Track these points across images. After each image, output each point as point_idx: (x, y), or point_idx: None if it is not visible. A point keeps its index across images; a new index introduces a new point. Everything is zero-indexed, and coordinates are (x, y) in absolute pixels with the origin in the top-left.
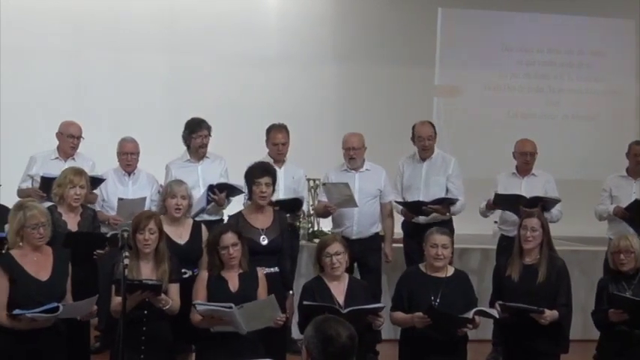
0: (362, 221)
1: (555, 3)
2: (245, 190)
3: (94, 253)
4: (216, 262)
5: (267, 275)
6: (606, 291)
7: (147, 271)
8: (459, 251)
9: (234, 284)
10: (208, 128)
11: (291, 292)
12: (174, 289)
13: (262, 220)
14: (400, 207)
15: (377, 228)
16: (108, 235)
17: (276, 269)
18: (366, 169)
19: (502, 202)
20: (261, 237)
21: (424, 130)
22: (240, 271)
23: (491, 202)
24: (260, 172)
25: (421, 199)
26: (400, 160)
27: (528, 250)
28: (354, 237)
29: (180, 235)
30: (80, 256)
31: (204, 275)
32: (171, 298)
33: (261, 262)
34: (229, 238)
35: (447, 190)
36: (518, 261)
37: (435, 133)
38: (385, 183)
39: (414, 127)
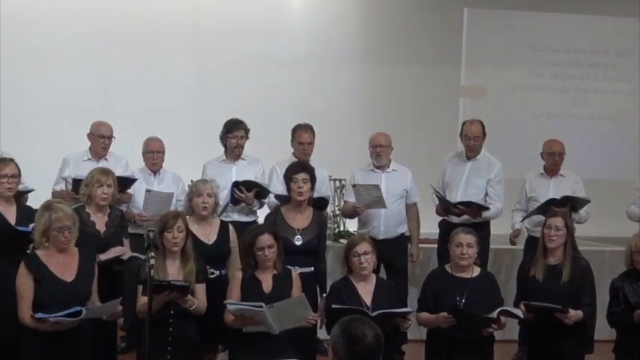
0: (388, 222)
1: (581, 3)
2: (270, 188)
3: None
4: (251, 262)
5: (301, 276)
6: (622, 291)
7: (173, 271)
8: (492, 252)
9: (267, 285)
10: (246, 130)
11: (324, 294)
12: (201, 289)
13: (300, 220)
14: (437, 200)
15: (403, 228)
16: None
17: (311, 269)
18: (393, 170)
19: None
20: (296, 237)
21: (471, 129)
22: (275, 272)
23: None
24: (297, 169)
25: (458, 198)
26: (446, 156)
27: (552, 249)
28: (380, 237)
29: (208, 235)
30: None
31: (238, 275)
32: (198, 299)
33: (295, 262)
34: (265, 239)
35: (486, 194)
36: (542, 261)
37: (484, 133)
38: (411, 183)
39: (463, 125)
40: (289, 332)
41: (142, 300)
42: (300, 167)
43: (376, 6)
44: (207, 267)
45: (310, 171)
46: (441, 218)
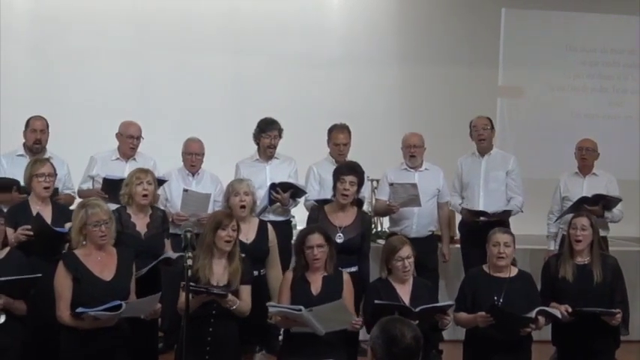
0: (421, 220)
1: (618, 3)
2: (307, 189)
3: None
4: (302, 262)
5: None
6: None
7: (219, 271)
8: (529, 252)
9: (316, 287)
10: (279, 130)
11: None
12: (246, 290)
13: (342, 218)
14: (460, 207)
15: (434, 227)
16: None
17: (353, 269)
18: (425, 169)
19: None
20: (338, 235)
21: (480, 121)
22: (325, 273)
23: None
24: (347, 170)
25: (481, 196)
26: (458, 159)
27: (579, 250)
28: (412, 236)
29: (246, 234)
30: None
31: (289, 276)
32: (242, 300)
33: (337, 261)
34: (315, 238)
35: (507, 186)
36: (571, 261)
37: (492, 127)
38: (443, 183)
39: (471, 123)
40: (337, 333)
41: (183, 297)
42: (350, 169)
43: (413, 6)
44: None
45: (359, 174)
46: (462, 219)
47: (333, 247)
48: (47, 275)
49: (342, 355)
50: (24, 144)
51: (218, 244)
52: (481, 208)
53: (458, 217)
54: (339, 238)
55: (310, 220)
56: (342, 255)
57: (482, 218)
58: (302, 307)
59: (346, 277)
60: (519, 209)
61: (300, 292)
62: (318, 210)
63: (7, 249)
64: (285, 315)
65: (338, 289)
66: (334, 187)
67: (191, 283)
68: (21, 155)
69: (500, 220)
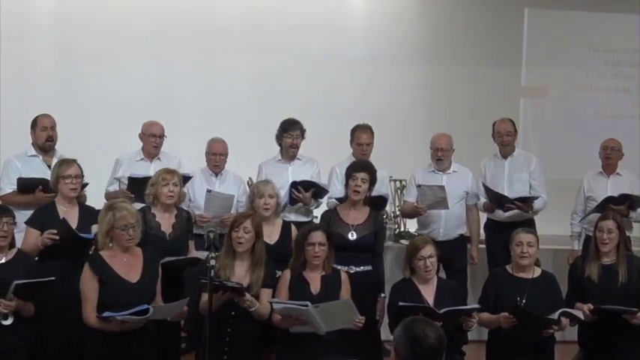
0: (448, 223)
1: None
2: (330, 189)
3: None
4: (301, 259)
5: (357, 274)
6: None
7: (240, 272)
8: (553, 252)
9: (315, 286)
10: (301, 130)
11: (382, 294)
12: (267, 294)
13: (354, 216)
14: (483, 200)
15: (462, 230)
16: None
17: (368, 268)
18: (454, 171)
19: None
20: (350, 232)
21: (503, 125)
22: (323, 272)
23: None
24: (359, 168)
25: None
26: (481, 161)
27: (605, 251)
28: (440, 239)
29: (270, 234)
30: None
31: (286, 275)
32: (262, 303)
33: (350, 260)
34: (318, 236)
35: (530, 187)
36: (597, 262)
37: (515, 130)
38: (472, 184)
39: (494, 125)
40: (347, 334)
41: (204, 297)
42: (362, 167)
43: (436, 6)
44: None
45: (371, 172)
46: (486, 219)
47: (332, 248)
48: (73, 279)
49: (342, 354)
50: (33, 143)
51: (233, 245)
52: (506, 214)
53: (483, 220)
54: (352, 236)
55: (322, 220)
56: (354, 253)
57: (501, 215)
58: (308, 303)
59: (344, 276)
60: (542, 207)
61: (299, 291)
62: (330, 212)
63: (15, 250)
64: (289, 312)
65: (337, 289)
66: (346, 185)
67: (204, 277)
68: (33, 156)
69: (526, 220)
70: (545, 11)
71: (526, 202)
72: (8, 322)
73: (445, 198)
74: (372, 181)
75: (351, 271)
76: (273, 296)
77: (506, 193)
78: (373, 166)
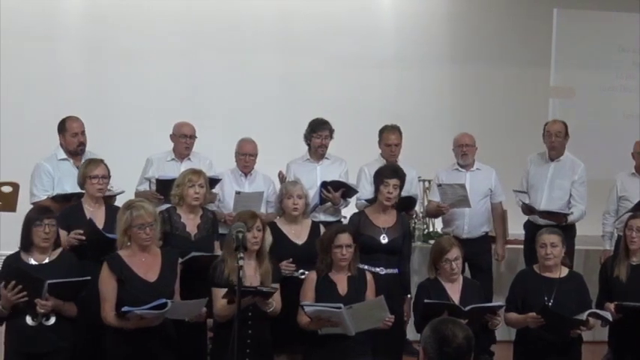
0: (472, 221)
1: None
2: (358, 189)
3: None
4: (327, 260)
5: (386, 276)
6: None
7: (250, 272)
8: (584, 252)
9: (342, 287)
10: (330, 130)
11: (409, 295)
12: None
13: (384, 220)
14: (521, 200)
15: (487, 228)
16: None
17: (396, 271)
18: (477, 169)
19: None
20: (382, 235)
21: (554, 126)
22: (349, 274)
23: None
24: (390, 173)
25: (544, 200)
26: (529, 156)
27: (634, 250)
28: (464, 236)
29: (299, 235)
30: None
31: (312, 276)
32: (274, 300)
33: (381, 262)
34: (345, 237)
35: (570, 195)
36: (626, 262)
37: (567, 134)
38: (496, 183)
39: (545, 125)
40: (372, 334)
41: (220, 303)
42: (393, 172)
43: (464, 7)
44: (298, 267)
45: (402, 178)
46: (526, 219)
47: (358, 248)
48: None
49: (369, 354)
50: (61, 145)
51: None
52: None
53: (512, 218)
54: (384, 239)
55: (351, 223)
56: (385, 255)
57: (540, 220)
58: (341, 305)
59: (369, 277)
60: (576, 218)
61: (326, 292)
62: (359, 214)
63: (59, 250)
64: (320, 315)
65: (363, 289)
66: (376, 190)
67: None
68: (64, 159)
69: (558, 222)
70: (574, 11)
71: (556, 216)
72: (50, 322)
73: (466, 196)
74: (402, 186)
75: (382, 273)
76: (298, 298)
77: (544, 197)
78: (402, 170)
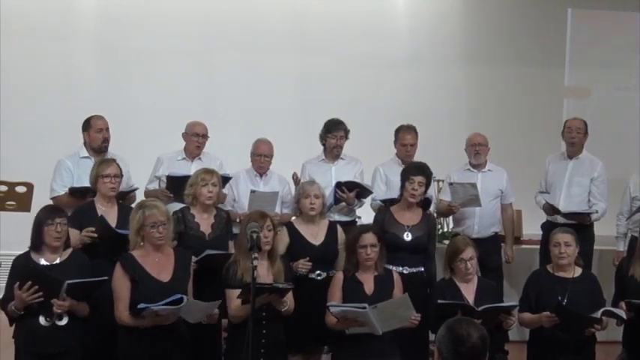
0: (483, 220)
1: None
2: (373, 190)
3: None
4: (353, 261)
5: (410, 275)
6: None
7: (262, 271)
8: (598, 253)
9: (369, 286)
10: (345, 130)
11: None
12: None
13: (409, 217)
14: (543, 201)
15: (496, 228)
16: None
17: (420, 269)
18: (489, 170)
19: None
20: (406, 233)
21: (574, 122)
22: (376, 273)
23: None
24: (416, 171)
25: (562, 198)
26: (547, 157)
27: None
28: (474, 236)
29: (316, 235)
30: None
31: (339, 276)
32: (288, 299)
33: (404, 261)
34: (369, 237)
35: (590, 193)
36: None
37: (586, 132)
38: (507, 184)
39: (565, 123)
40: (397, 333)
41: (236, 303)
42: (419, 170)
43: (479, 7)
44: (313, 268)
45: (428, 175)
46: (545, 219)
47: (384, 247)
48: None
49: (397, 354)
50: (85, 144)
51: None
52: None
53: (528, 219)
54: (407, 237)
55: (376, 220)
56: (408, 254)
57: (556, 215)
58: (367, 305)
59: (396, 276)
60: (599, 216)
61: (352, 292)
62: (384, 211)
63: (70, 250)
64: (346, 315)
65: (390, 288)
66: (402, 187)
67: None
68: (86, 157)
69: (581, 224)
70: (588, 11)
71: (580, 216)
72: (63, 322)
73: (477, 195)
74: (428, 184)
75: (405, 272)
76: (314, 299)
77: (563, 195)
78: (429, 168)
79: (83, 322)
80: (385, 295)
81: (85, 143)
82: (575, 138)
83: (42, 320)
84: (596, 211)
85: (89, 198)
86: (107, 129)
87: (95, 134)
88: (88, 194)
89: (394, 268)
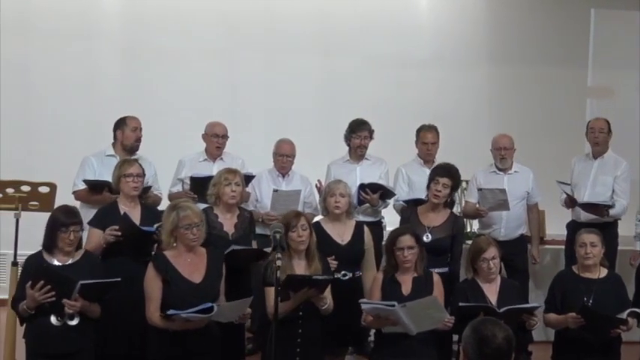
0: (509, 223)
1: None
2: (396, 190)
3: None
4: (392, 262)
5: None
6: None
7: (300, 271)
8: (618, 253)
9: (407, 287)
10: (370, 130)
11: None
12: (327, 288)
13: (432, 219)
14: (564, 195)
15: (523, 230)
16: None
17: (442, 270)
18: (515, 171)
19: None
20: (425, 234)
21: (597, 123)
22: (415, 274)
23: None
24: (442, 172)
25: (586, 197)
26: (573, 158)
27: None
28: (501, 239)
29: (342, 235)
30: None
31: (379, 276)
32: (328, 296)
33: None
34: (406, 240)
35: (613, 191)
36: None
37: (610, 131)
38: (533, 184)
39: (588, 123)
40: (434, 334)
41: (272, 301)
42: (445, 171)
43: (502, 7)
44: (338, 268)
45: (454, 178)
46: (570, 219)
47: (424, 249)
48: (137, 278)
49: (434, 355)
50: (114, 144)
51: (292, 245)
52: (582, 215)
53: (551, 219)
54: (427, 238)
55: (402, 219)
56: (429, 255)
57: (582, 218)
58: (395, 303)
59: (436, 278)
60: (619, 212)
61: (390, 292)
62: (410, 210)
63: (82, 251)
64: (378, 312)
65: (428, 290)
66: (428, 187)
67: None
68: (111, 155)
69: (605, 224)
70: (611, 11)
71: (596, 207)
72: (74, 322)
73: (506, 200)
74: (455, 186)
75: None
76: (341, 299)
77: (587, 194)
78: (457, 171)
79: (94, 322)
80: (423, 296)
81: (114, 142)
82: (598, 138)
83: (53, 320)
84: (613, 206)
85: (105, 193)
86: (140, 129)
87: (130, 133)
88: (105, 189)
89: None
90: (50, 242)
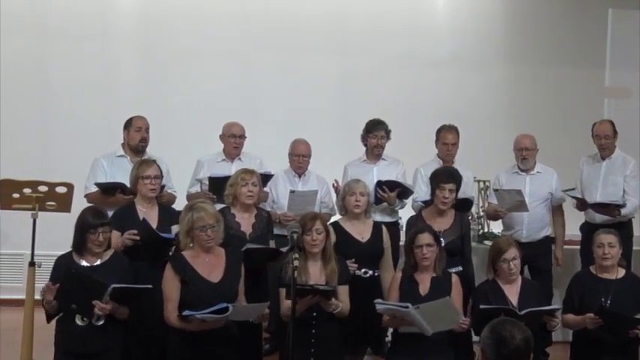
0: (532, 225)
1: None
2: (414, 190)
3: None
4: (411, 261)
5: None
6: None
7: (315, 272)
8: (637, 253)
9: (424, 287)
10: (386, 130)
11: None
12: (344, 291)
13: (441, 222)
14: (574, 200)
15: (547, 231)
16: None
17: (456, 269)
18: (537, 172)
19: None
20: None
21: (601, 128)
22: (434, 274)
23: None
24: (446, 178)
25: (598, 198)
26: (581, 159)
27: None
28: (523, 240)
29: (362, 233)
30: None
31: (398, 276)
32: (341, 301)
33: None
34: (425, 238)
35: (623, 191)
36: None
37: (615, 132)
38: (556, 185)
39: (593, 126)
40: (451, 334)
41: (287, 303)
42: (449, 177)
43: (520, 7)
44: (359, 266)
45: (458, 182)
46: (584, 220)
47: (443, 250)
48: (152, 280)
49: (451, 356)
50: (123, 144)
51: (306, 248)
52: (597, 216)
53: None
54: (441, 242)
55: (408, 226)
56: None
57: (596, 219)
58: (409, 305)
59: (455, 278)
60: (629, 212)
61: (408, 291)
62: (416, 217)
63: (111, 252)
64: (393, 313)
65: (446, 290)
66: (432, 193)
67: (298, 282)
68: (121, 156)
69: (621, 222)
70: (629, 11)
71: (607, 207)
72: (100, 322)
73: (523, 201)
74: (459, 188)
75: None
76: (361, 297)
77: (599, 195)
78: (458, 173)
79: (122, 323)
80: (440, 297)
81: (124, 142)
82: (604, 144)
83: (78, 320)
84: (624, 205)
85: (118, 194)
86: (147, 129)
87: (134, 133)
88: (117, 190)
89: None
90: (79, 244)
